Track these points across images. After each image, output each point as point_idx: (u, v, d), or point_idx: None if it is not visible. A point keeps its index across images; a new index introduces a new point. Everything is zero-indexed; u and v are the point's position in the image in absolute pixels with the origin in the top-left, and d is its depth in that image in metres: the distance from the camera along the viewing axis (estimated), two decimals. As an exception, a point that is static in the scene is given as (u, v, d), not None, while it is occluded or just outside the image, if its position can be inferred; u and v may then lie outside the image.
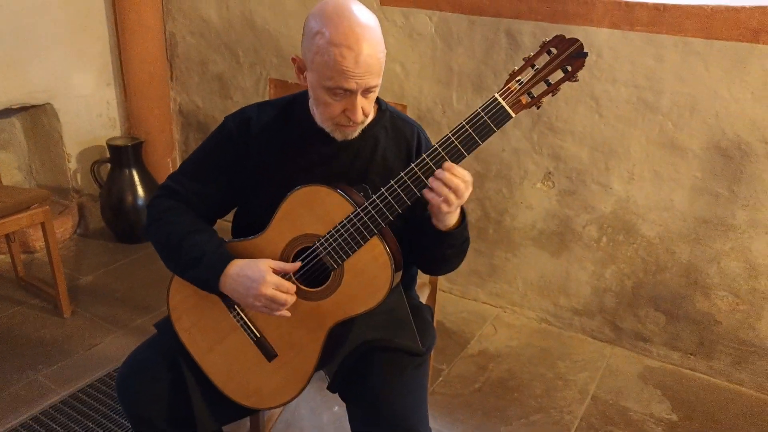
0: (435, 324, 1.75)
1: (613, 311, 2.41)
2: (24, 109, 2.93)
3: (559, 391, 2.20)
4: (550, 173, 2.38)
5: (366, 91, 1.23)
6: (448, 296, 2.75)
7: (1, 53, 2.66)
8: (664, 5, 2.01)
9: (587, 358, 2.37)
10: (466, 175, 1.17)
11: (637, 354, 2.40)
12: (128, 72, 3.05)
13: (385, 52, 1.24)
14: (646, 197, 2.23)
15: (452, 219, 1.24)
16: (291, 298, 1.24)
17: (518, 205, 2.48)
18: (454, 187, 1.15)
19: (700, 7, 1.96)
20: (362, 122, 1.29)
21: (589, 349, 2.43)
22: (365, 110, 1.26)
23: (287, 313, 1.26)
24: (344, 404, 1.35)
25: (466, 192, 1.18)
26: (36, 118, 3.01)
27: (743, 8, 1.91)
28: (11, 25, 2.67)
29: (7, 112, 2.92)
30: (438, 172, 1.16)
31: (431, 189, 1.17)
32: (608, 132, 2.22)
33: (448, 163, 1.16)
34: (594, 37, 2.14)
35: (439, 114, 2.51)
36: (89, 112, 3.08)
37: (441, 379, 2.23)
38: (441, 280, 2.77)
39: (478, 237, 2.60)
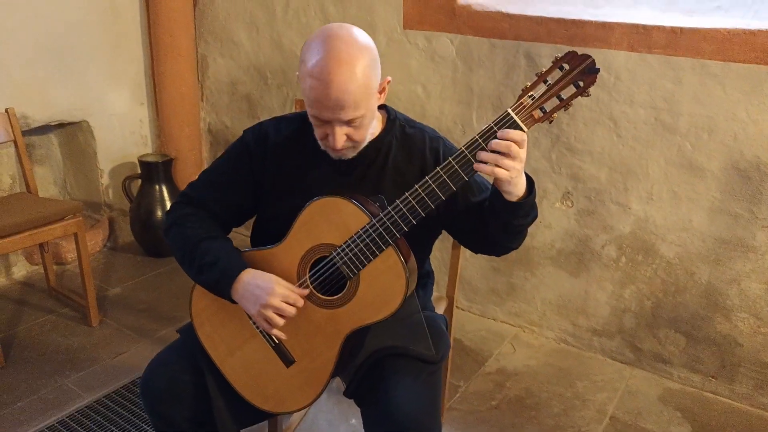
0: (452, 341, 1.78)
1: (633, 332, 2.40)
2: (61, 125, 3.06)
3: (577, 411, 2.19)
4: (568, 193, 2.40)
5: (346, 122, 1.25)
6: (467, 315, 2.76)
7: (41, 72, 2.79)
8: (681, 29, 2.04)
9: (606, 379, 2.36)
10: (515, 135, 1.13)
11: (657, 376, 2.38)
12: (161, 92, 3.17)
13: (371, 85, 1.23)
14: (664, 217, 2.23)
15: (520, 187, 1.21)
16: (293, 311, 1.29)
17: (537, 225, 2.50)
18: (504, 150, 1.13)
19: (716, 31, 1.99)
20: (354, 146, 1.32)
21: (608, 370, 2.42)
22: (352, 137, 1.28)
23: (282, 335, 1.32)
24: (361, 418, 1.38)
25: (521, 152, 1.14)
26: (72, 135, 3.14)
27: (760, 32, 1.93)
28: (52, 46, 2.80)
29: (45, 129, 3.05)
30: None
31: (482, 161, 1.15)
32: (627, 153, 2.24)
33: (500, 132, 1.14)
34: (612, 60, 2.18)
35: (459, 134, 2.56)
36: (123, 130, 3.20)
37: (458, 395, 2.24)
38: (459, 298, 2.80)
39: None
